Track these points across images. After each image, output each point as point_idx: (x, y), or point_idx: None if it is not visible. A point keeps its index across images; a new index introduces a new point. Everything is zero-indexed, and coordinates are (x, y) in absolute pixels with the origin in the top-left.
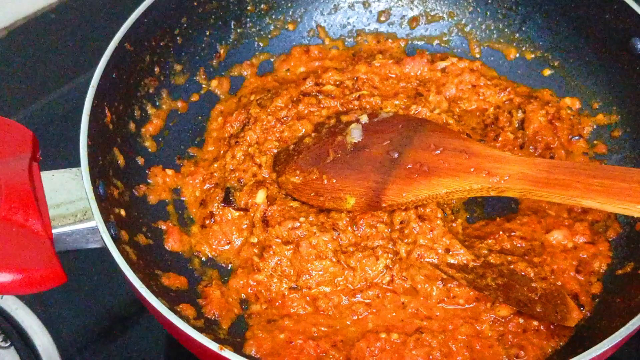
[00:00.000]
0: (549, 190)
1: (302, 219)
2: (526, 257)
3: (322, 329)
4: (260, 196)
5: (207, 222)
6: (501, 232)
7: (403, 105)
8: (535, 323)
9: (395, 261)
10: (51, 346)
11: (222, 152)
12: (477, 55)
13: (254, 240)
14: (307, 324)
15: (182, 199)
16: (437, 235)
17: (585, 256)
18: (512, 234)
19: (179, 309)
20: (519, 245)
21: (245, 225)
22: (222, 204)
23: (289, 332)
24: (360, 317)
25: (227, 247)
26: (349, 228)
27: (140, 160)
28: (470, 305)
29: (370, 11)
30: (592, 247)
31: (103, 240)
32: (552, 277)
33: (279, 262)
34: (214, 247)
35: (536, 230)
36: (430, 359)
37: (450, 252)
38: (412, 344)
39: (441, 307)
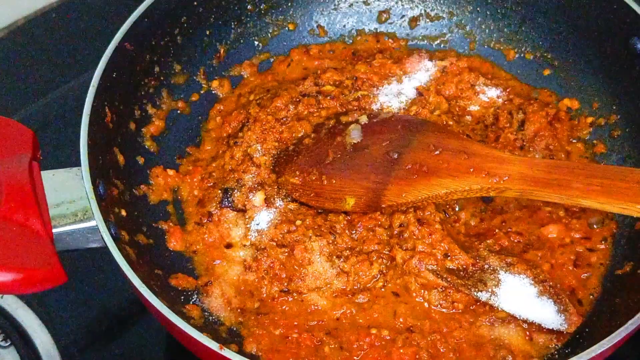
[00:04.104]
0: (549, 190)
1: (298, 222)
2: (525, 255)
3: (315, 322)
4: (259, 198)
5: (204, 220)
6: (497, 230)
7: (403, 106)
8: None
9: (389, 267)
10: (51, 346)
11: (220, 151)
12: (477, 55)
13: (249, 242)
14: (299, 319)
15: (180, 198)
16: (436, 240)
17: (582, 250)
18: (509, 230)
19: (184, 310)
20: (516, 241)
21: (242, 226)
22: (221, 205)
23: (283, 327)
24: (351, 315)
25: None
26: (347, 231)
27: (140, 160)
28: (471, 308)
29: (370, 11)
30: (589, 242)
31: (103, 240)
32: (552, 273)
33: (271, 265)
34: (209, 244)
35: (530, 223)
36: (417, 358)
37: (449, 257)
38: (400, 342)
39: (438, 310)
